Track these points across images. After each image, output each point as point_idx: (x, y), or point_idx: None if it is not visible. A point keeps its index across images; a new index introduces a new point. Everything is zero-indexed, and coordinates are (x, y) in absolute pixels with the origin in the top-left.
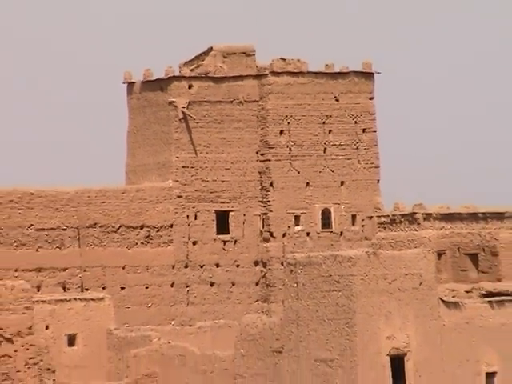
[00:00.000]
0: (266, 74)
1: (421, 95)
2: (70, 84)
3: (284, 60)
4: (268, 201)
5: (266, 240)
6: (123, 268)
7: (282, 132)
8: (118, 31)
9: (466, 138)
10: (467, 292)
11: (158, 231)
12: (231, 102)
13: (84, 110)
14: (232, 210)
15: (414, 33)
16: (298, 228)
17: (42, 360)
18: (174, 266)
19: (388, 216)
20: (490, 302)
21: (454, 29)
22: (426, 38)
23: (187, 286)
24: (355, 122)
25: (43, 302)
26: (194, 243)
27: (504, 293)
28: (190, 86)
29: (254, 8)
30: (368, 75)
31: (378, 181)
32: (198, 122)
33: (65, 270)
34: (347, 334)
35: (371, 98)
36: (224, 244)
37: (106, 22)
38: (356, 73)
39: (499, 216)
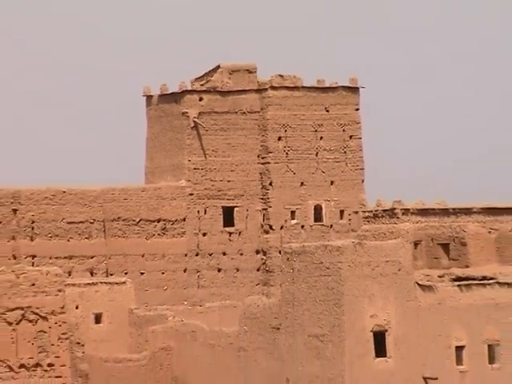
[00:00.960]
0: (266, 89)
1: (400, 108)
2: (98, 97)
3: (281, 76)
4: (268, 198)
5: (266, 232)
6: (142, 256)
7: (279, 138)
8: (139, 52)
9: (436, 143)
10: (440, 277)
11: (172, 224)
12: (236, 112)
13: (109, 119)
14: (236, 206)
15: (394, 53)
16: (294, 221)
17: (72, 335)
18: (186, 255)
19: (371, 211)
20: (459, 285)
21: (427, 49)
22: (405, 57)
23: (198, 272)
24: (343, 130)
25: (73, 285)
26: (204, 234)
27: (471, 277)
28: (201, 99)
29: (256, 31)
30: (354, 89)
31: (363, 181)
32: (207, 130)
33: (92, 257)
34: (336, 313)
35: (357, 109)
36: (230, 235)
37: (128, 45)
38: (344, 87)
39: (467, 211)
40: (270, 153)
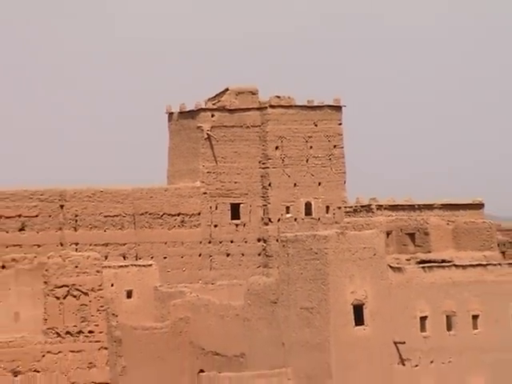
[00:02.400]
0: (266, 107)
1: (376, 122)
2: (130, 115)
3: (278, 97)
4: (267, 196)
5: (266, 224)
6: (165, 243)
7: (277, 148)
8: (163, 77)
9: (404, 151)
10: (407, 260)
11: (189, 217)
12: (241, 126)
13: (138, 133)
14: (242, 203)
15: (372, 75)
16: (288, 215)
17: (108, 308)
18: (201, 242)
19: (351, 207)
20: (423, 267)
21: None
22: (382, 78)
23: (210, 256)
24: (328, 141)
25: (109, 267)
26: (215, 226)
27: (433, 261)
28: (212, 115)
29: (258, 62)
30: (337, 108)
31: (345, 182)
32: (217, 141)
33: (124, 244)
34: (323, 290)
35: (340, 124)
36: (236, 226)
37: (154, 72)
38: (329, 106)
39: (429, 207)
40: (269, 159)
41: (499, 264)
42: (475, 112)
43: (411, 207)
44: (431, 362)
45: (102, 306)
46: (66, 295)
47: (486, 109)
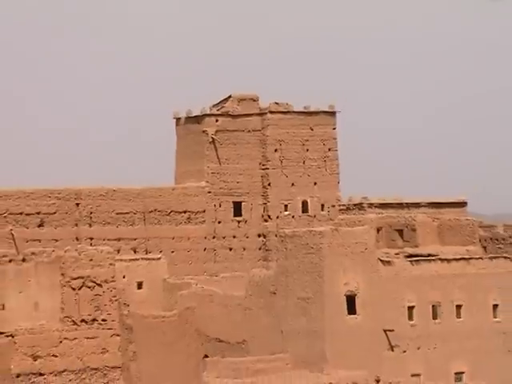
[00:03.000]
0: (266, 113)
1: (367, 129)
2: (141, 122)
3: (277, 103)
4: (267, 195)
5: (266, 220)
6: (173, 239)
7: (276, 150)
8: (171, 86)
9: (393, 153)
10: (396, 254)
11: (195, 214)
12: (243, 131)
13: (148, 136)
14: (244, 201)
15: (363, 84)
16: (286, 213)
17: (120, 298)
18: (205, 237)
19: (345, 205)
20: (410, 260)
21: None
22: (372, 88)
23: (214, 251)
24: (323, 144)
25: (121, 260)
26: (219, 222)
27: (419, 255)
28: (217, 120)
29: (259, 70)
30: (332, 113)
31: (338, 182)
32: (221, 144)
33: (135, 239)
34: (318, 281)
35: (334, 128)
36: (238, 223)
37: (163, 81)
38: (324, 112)
39: (416, 205)
40: (269, 161)
41: (481, 258)
42: (463, 121)
43: (400, 205)
44: (418, 348)
45: (114, 297)
46: (82, 286)
47: (473, 116)
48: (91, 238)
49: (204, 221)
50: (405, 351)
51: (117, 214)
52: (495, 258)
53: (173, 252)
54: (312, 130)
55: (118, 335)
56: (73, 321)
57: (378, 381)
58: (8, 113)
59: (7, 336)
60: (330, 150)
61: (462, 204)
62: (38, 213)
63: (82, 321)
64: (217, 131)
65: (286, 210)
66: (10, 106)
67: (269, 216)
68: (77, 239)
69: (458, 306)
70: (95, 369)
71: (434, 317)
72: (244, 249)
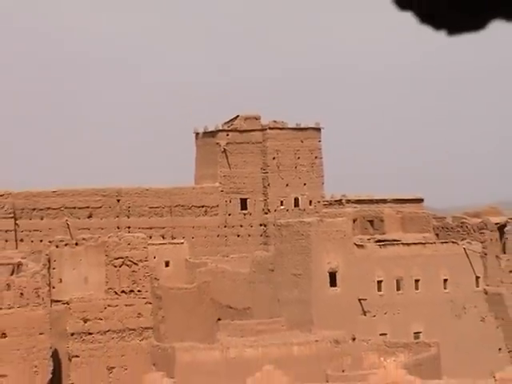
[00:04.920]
0: (266, 129)
1: (346, 142)
2: (169, 135)
3: (275, 121)
4: (267, 193)
5: (266, 213)
6: (193, 227)
7: (273, 158)
8: (192, 108)
9: (368, 160)
10: (368, 239)
11: (210, 208)
12: (248, 143)
13: (175, 148)
14: (248, 198)
15: (345, 106)
16: (282, 207)
17: (151, 274)
18: (218, 226)
19: (328, 201)
20: (379, 244)
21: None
22: (351, 107)
23: (225, 237)
24: (311, 153)
25: (152, 244)
26: (229, 215)
27: (386, 240)
28: (227, 135)
29: (260, 93)
30: (318, 129)
31: (323, 183)
32: (231, 153)
33: (163, 228)
34: (307, 261)
35: (319, 141)
36: (244, 215)
37: (186, 104)
38: (312, 128)
39: (384, 201)
40: (268, 167)
41: (434, 242)
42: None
43: (371, 201)
44: (385, 313)
45: (147, 273)
46: (121, 264)
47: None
48: (129, 227)
49: (217, 213)
50: (374, 316)
51: (149, 208)
52: (445, 242)
53: (193, 238)
54: (302, 142)
55: (149, 303)
56: (115, 292)
57: (353, 339)
58: (67, 131)
59: (64, 304)
60: (316, 158)
61: (420, 200)
62: (88, 207)
63: (122, 292)
64: (227, 143)
65: (281, 205)
66: (69, 126)
67: (268, 209)
68: (118, 228)
69: (416, 280)
70: (132, 329)
71: (398, 289)
72: (249, 235)
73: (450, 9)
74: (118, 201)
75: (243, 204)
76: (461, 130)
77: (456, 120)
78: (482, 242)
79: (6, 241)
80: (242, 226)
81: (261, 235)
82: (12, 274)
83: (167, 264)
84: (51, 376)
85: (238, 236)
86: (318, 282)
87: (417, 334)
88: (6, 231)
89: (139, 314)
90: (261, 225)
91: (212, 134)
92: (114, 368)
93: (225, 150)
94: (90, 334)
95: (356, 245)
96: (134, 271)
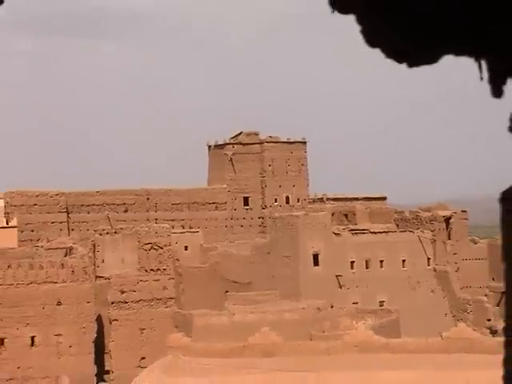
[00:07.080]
0: (264, 142)
1: (328, 152)
2: (187, 148)
3: (271, 136)
4: (264, 193)
5: (263, 208)
6: (206, 220)
7: (269, 165)
8: (205, 125)
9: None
10: (343, 229)
11: (220, 205)
12: (249, 153)
13: (191, 159)
14: (250, 197)
15: (327, 122)
16: (276, 204)
17: (174, 256)
18: (226, 219)
19: (312, 199)
20: (352, 233)
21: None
22: (336, 122)
23: (232, 227)
24: (299, 161)
25: (174, 233)
26: (235, 209)
27: (358, 229)
28: (233, 147)
29: (259, 113)
30: (304, 143)
31: (308, 185)
32: (236, 161)
33: (182, 220)
34: (295, 246)
35: (305, 152)
36: (246, 210)
37: (204, 121)
38: (299, 141)
39: (356, 199)
40: (265, 172)
41: (395, 231)
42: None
43: (346, 199)
44: (356, 286)
45: (170, 255)
46: (150, 249)
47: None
48: (156, 219)
49: (225, 209)
50: (348, 288)
51: (172, 204)
52: (403, 231)
53: (206, 228)
54: (292, 153)
55: (172, 279)
56: (145, 270)
57: (332, 306)
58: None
59: (105, 279)
60: (302, 165)
61: (384, 198)
62: (124, 204)
63: (151, 270)
64: (233, 154)
65: (275, 202)
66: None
67: (265, 206)
68: (147, 220)
69: (381, 261)
70: (159, 299)
71: (367, 267)
72: (250, 226)
73: (407, 46)
74: (148, 199)
75: (246, 201)
76: (414, 139)
77: (412, 128)
78: (432, 231)
79: (61, 230)
80: (244, 218)
81: (259, 226)
82: (65, 256)
83: (186, 248)
84: (96, 335)
85: (242, 226)
86: (304, 262)
87: (381, 303)
88: (61, 222)
89: (164, 287)
90: (259, 217)
91: (221, 146)
92: (144, 329)
93: (231, 159)
94: (126, 302)
95: (334, 233)
96: (160, 254)
